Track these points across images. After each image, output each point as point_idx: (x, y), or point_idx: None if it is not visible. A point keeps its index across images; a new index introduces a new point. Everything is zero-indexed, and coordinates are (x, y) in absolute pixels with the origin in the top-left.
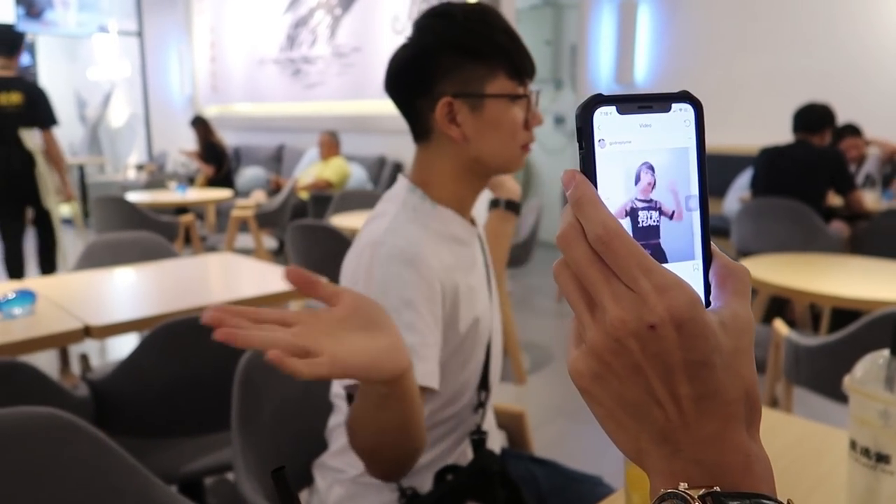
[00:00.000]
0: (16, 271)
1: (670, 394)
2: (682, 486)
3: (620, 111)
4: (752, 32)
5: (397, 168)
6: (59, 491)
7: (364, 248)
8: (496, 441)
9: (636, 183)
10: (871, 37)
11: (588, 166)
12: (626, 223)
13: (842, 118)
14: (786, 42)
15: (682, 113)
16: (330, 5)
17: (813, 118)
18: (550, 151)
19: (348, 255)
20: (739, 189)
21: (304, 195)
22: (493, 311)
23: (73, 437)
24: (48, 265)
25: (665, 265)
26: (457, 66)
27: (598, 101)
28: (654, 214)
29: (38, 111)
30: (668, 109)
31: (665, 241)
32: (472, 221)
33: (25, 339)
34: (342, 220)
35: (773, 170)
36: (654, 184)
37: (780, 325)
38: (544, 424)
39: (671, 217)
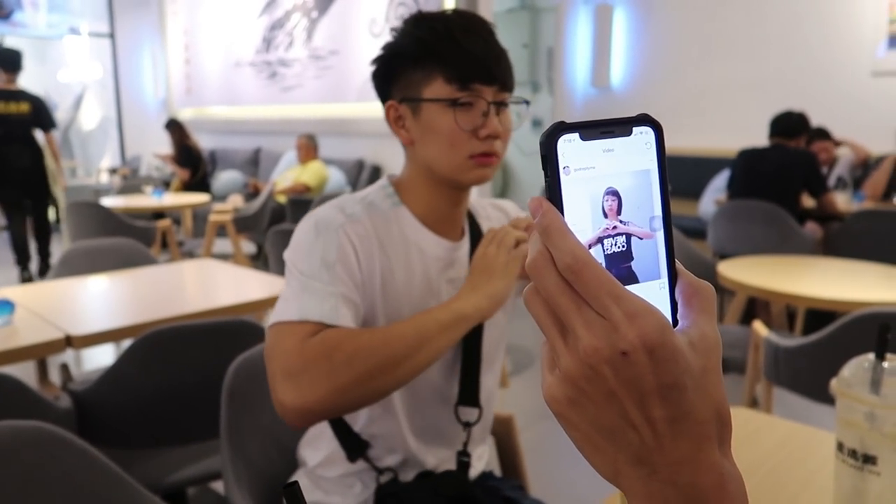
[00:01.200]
0: (23, 254)
1: (644, 417)
2: None
3: (583, 137)
4: (726, 36)
5: (376, 171)
6: None
7: (302, 221)
8: (481, 459)
9: (602, 208)
10: (843, 42)
11: (554, 194)
12: (595, 249)
13: (813, 122)
14: (758, 46)
15: (643, 136)
16: (307, 8)
17: (789, 124)
18: (528, 154)
19: None
20: (715, 191)
21: (282, 199)
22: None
23: (60, 451)
24: (45, 248)
25: (635, 285)
26: (403, 71)
27: (561, 128)
28: (622, 239)
29: (42, 117)
30: (629, 133)
31: (634, 263)
32: (462, 232)
33: (4, 350)
34: None
35: (750, 172)
36: (620, 208)
37: (759, 327)
38: (528, 427)
39: (640, 239)
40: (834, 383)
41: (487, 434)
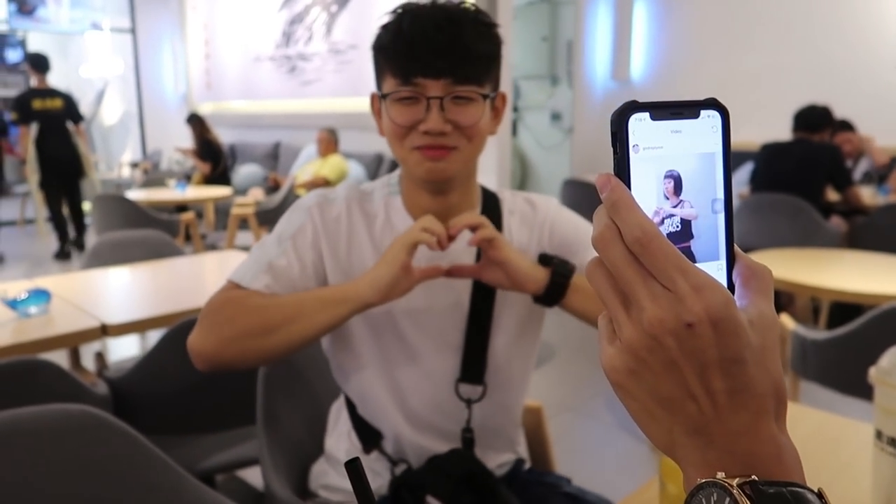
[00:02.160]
0: (63, 227)
1: (704, 388)
2: (720, 475)
3: (653, 117)
4: (748, 28)
5: (395, 165)
6: (95, 487)
7: None
8: (505, 443)
9: (676, 187)
10: (866, 33)
11: (622, 170)
12: (665, 225)
13: (837, 114)
14: (781, 38)
15: (710, 119)
16: (326, 2)
17: (813, 118)
18: (547, 148)
19: None
20: (738, 184)
21: (302, 192)
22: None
23: (106, 434)
24: (81, 224)
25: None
26: (374, 66)
27: (633, 107)
28: (682, 218)
29: (73, 111)
30: (696, 115)
31: (693, 243)
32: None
33: (42, 339)
34: None
35: (773, 166)
36: (679, 189)
37: (786, 319)
38: (551, 418)
39: (697, 219)
40: (873, 372)
41: (517, 426)
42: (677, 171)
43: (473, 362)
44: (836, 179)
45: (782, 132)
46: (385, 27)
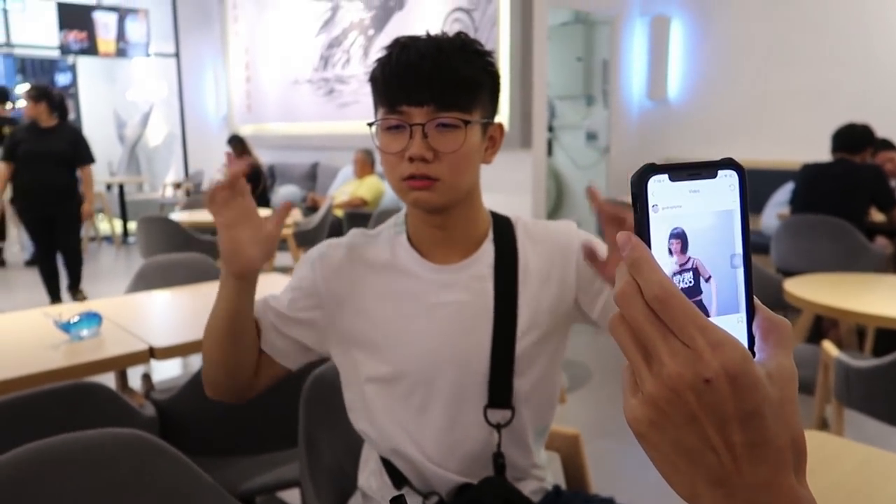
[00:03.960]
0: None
1: (724, 441)
2: None
3: (672, 178)
4: (786, 47)
5: None
6: None
7: None
8: (532, 467)
9: (682, 245)
10: None
11: (642, 229)
12: (675, 281)
13: (878, 134)
14: (820, 57)
15: (728, 178)
16: (363, 26)
17: (853, 138)
18: (583, 167)
19: None
20: (777, 205)
21: (339, 213)
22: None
23: (155, 458)
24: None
25: (711, 319)
26: (372, 98)
27: (652, 169)
28: (694, 274)
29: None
30: (714, 175)
31: (709, 297)
32: (466, 253)
33: (93, 361)
34: None
35: (813, 187)
36: (687, 245)
37: (829, 346)
38: (586, 444)
39: (712, 275)
40: None
41: (541, 447)
42: (689, 228)
43: (500, 386)
44: (879, 200)
45: (823, 151)
46: (379, 60)
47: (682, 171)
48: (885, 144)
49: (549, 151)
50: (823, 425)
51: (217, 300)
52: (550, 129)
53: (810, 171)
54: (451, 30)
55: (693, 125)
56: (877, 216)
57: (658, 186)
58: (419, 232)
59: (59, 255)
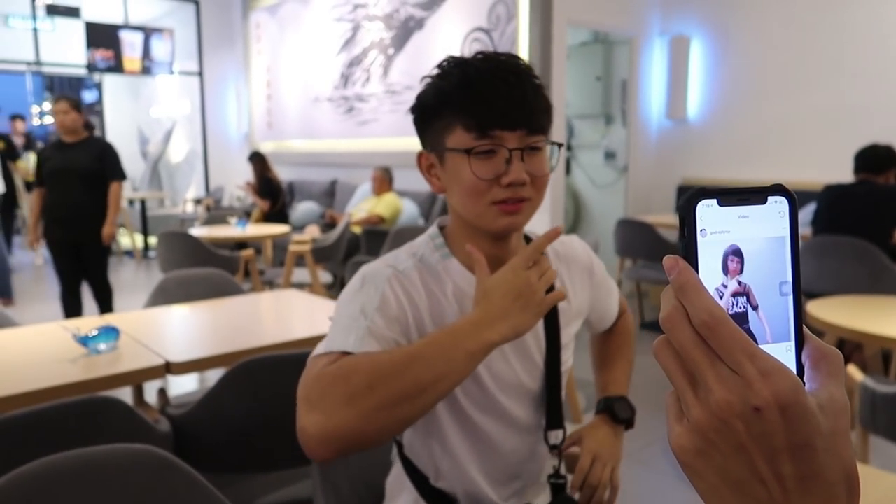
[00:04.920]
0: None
1: (773, 473)
2: None
3: (721, 203)
4: (806, 68)
5: (447, 204)
6: None
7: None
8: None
9: (741, 265)
10: None
11: (690, 253)
12: (725, 305)
13: None
14: (840, 77)
15: (778, 205)
16: (383, 45)
17: (875, 159)
18: (601, 186)
19: None
20: (800, 225)
21: (356, 230)
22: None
23: (167, 474)
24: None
25: (760, 347)
26: (426, 121)
27: (702, 194)
28: (745, 299)
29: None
30: (764, 201)
31: (758, 325)
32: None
33: (110, 375)
34: None
35: (835, 208)
36: (742, 269)
37: (853, 371)
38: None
39: (761, 302)
40: None
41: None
42: (741, 250)
43: (555, 407)
44: None
45: (845, 171)
46: (443, 81)
47: (732, 195)
48: None
49: (568, 170)
50: None
51: (451, 371)
52: (569, 147)
53: (833, 192)
54: (472, 49)
55: (712, 145)
56: None
57: (706, 211)
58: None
59: (85, 286)
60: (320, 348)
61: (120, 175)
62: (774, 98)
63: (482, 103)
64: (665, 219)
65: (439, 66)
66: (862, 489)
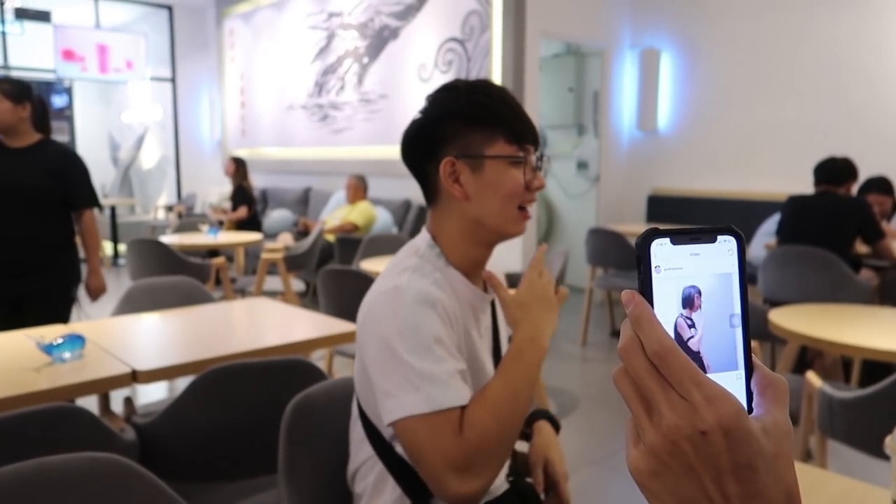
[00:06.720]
0: None
1: (720, 492)
2: None
3: (674, 242)
4: (771, 81)
5: (422, 211)
6: None
7: (389, 292)
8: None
9: (686, 303)
10: (886, 85)
11: (645, 288)
12: (674, 337)
13: (859, 167)
14: (803, 91)
15: (726, 243)
16: (358, 54)
17: (834, 172)
18: (573, 196)
19: (370, 296)
20: (764, 235)
21: (330, 238)
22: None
23: (132, 482)
24: None
25: (710, 375)
26: (458, 132)
27: (655, 234)
28: (698, 330)
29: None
30: (714, 240)
31: (709, 354)
32: (484, 288)
33: (74, 384)
34: (370, 265)
35: (799, 218)
36: (701, 304)
37: (812, 377)
38: (572, 472)
39: (712, 334)
40: (889, 441)
41: None
42: (696, 287)
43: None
44: (866, 232)
45: (807, 183)
46: (487, 97)
47: (684, 235)
48: (880, 187)
49: None
50: (807, 456)
51: (533, 387)
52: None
53: (796, 203)
54: (445, 59)
55: (681, 156)
56: (862, 248)
57: (660, 249)
58: (470, 259)
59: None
60: (418, 405)
61: (93, 200)
62: (740, 111)
63: (519, 120)
64: (636, 228)
65: (465, 86)
66: (814, 490)
